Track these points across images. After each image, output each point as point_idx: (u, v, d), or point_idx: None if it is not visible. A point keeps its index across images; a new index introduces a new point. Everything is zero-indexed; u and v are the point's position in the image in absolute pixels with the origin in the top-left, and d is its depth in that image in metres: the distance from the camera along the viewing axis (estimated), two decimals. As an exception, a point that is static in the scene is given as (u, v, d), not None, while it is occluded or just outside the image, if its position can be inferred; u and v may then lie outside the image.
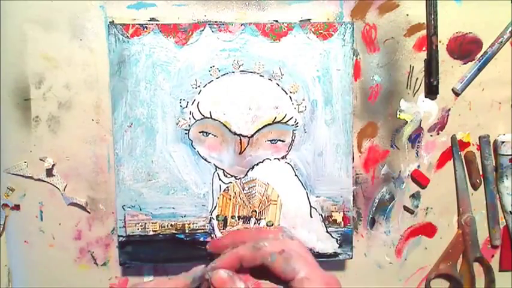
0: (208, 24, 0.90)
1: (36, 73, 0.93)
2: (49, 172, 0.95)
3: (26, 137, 0.95)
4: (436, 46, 0.95)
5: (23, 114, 0.94)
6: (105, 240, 0.98)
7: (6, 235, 0.98)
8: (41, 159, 0.94)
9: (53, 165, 0.95)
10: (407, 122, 0.98)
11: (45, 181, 0.96)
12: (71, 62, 0.94)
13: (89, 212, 0.97)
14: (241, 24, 0.91)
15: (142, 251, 0.94)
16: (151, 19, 0.93)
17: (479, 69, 0.97)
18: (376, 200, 1.00)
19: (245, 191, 0.94)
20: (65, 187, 0.96)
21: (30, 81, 0.93)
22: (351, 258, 0.97)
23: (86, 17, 0.93)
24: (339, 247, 0.96)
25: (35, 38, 0.93)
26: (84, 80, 0.94)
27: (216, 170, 0.93)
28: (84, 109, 0.95)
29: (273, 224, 0.94)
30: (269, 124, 0.92)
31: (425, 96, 0.98)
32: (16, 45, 0.93)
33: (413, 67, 0.97)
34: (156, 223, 0.93)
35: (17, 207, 0.97)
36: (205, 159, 0.93)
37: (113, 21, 0.93)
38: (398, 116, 0.98)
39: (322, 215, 0.95)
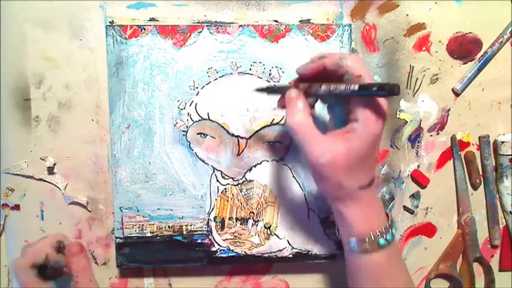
0: (206, 26, 0.90)
1: (36, 73, 0.93)
2: (50, 171, 0.95)
3: (26, 137, 0.95)
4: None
5: (23, 114, 0.94)
6: (105, 240, 0.98)
7: (6, 235, 0.99)
8: (41, 159, 0.95)
9: (54, 164, 0.95)
10: (407, 122, 0.98)
11: (46, 181, 0.96)
12: (71, 62, 0.94)
13: (90, 211, 0.98)
14: (239, 26, 0.91)
15: (140, 253, 0.94)
16: (151, 19, 0.93)
17: (479, 69, 0.97)
18: (376, 200, 1.00)
19: (243, 193, 0.94)
20: (65, 187, 0.96)
21: (30, 81, 0.93)
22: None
23: (86, 17, 0.93)
24: (336, 249, 0.96)
25: (35, 38, 0.93)
26: (84, 80, 0.94)
27: (213, 172, 0.93)
28: (84, 109, 0.95)
29: (270, 226, 0.95)
30: (267, 126, 0.92)
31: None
32: (16, 45, 0.93)
33: (413, 67, 0.97)
34: (153, 225, 0.93)
35: (17, 207, 0.97)
36: (203, 161, 0.93)
37: (113, 21, 0.93)
38: (398, 116, 0.98)
39: (319, 217, 0.95)
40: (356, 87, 0.69)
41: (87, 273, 0.87)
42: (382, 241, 0.75)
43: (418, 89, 0.98)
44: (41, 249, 0.86)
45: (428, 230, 1.02)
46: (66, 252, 0.88)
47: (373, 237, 0.76)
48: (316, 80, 0.75)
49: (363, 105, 0.71)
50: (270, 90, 0.85)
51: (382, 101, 0.72)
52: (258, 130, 0.93)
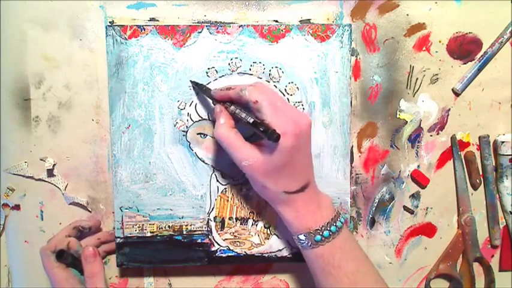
0: (206, 26, 0.90)
1: (36, 73, 0.93)
2: (50, 172, 0.95)
3: (26, 137, 0.95)
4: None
5: (23, 114, 0.94)
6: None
7: (6, 235, 0.99)
8: (41, 160, 0.95)
9: (54, 165, 0.95)
10: (407, 122, 0.98)
11: (46, 181, 0.96)
12: (71, 62, 0.94)
13: (90, 212, 0.98)
14: (239, 26, 0.90)
15: (140, 253, 0.94)
16: (151, 19, 0.93)
17: (479, 69, 0.97)
18: (376, 200, 1.00)
19: (243, 193, 0.94)
20: (66, 187, 0.96)
21: (30, 81, 0.93)
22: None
23: (86, 17, 0.93)
24: (336, 248, 0.96)
25: (35, 38, 0.93)
26: (84, 80, 0.94)
27: (213, 172, 0.93)
28: (84, 109, 0.95)
29: (270, 226, 0.95)
30: (266, 126, 0.92)
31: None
32: (16, 45, 0.93)
33: (413, 67, 0.97)
34: (153, 224, 0.93)
35: (17, 207, 0.97)
36: (202, 161, 0.93)
37: (113, 21, 0.93)
38: (398, 116, 0.98)
39: (319, 217, 0.95)
40: (251, 120, 0.79)
41: (101, 277, 0.90)
42: (318, 237, 0.82)
43: (418, 89, 0.98)
44: (62, 238, 0.92)
45: (428, 230, 1.02)
46: (81, 256, 0.91)
47: (309, 235, 0.83)
48: None
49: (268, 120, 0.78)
50: (200, 88, 0.91)
51: (294, 115, 0.80)
52: (258, 130, 0.92)
